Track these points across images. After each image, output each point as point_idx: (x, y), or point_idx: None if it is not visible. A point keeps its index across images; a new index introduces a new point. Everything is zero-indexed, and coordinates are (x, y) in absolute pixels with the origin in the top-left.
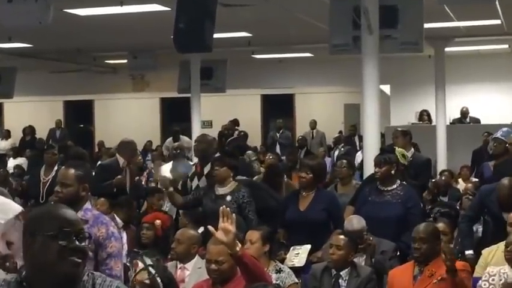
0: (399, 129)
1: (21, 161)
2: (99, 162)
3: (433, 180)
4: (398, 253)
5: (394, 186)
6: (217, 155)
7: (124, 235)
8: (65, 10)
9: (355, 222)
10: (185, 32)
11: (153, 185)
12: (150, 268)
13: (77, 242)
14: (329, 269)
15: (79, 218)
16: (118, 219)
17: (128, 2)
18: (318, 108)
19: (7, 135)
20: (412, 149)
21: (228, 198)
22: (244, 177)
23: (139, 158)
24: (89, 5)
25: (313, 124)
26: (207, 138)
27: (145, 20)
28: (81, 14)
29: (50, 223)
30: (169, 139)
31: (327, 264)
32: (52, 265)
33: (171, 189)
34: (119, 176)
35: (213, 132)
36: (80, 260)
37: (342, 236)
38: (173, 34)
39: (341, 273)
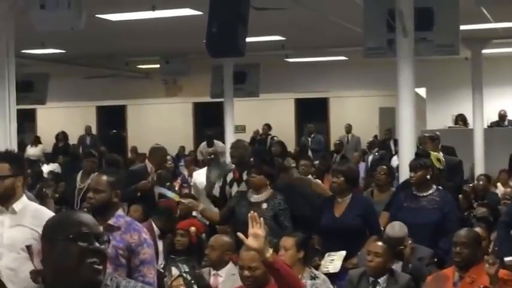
0: (426, 134)
1: (54, 166)
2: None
3: (470, 184)
4: (435, 259)
5: (430, 191)
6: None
7: (160, 244)
8: (97, 15)
9: (397, 229)
10: (218, 36)
11: (186, 191)
12: (186, 275)
13: (97, 244)
14: (366, 275)
15: (96, 222)
16: (155, 228)
17: (160, 6)
18: (352, 112)
19: (36, 141)
20: (441, 154)
21: (264, 205)
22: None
23: (170, 163)
24: (121, 10)
25: (349, 128)
26: (242, 143)
27: (178, 25)
28: (113, 19)
29: (69, 227)
30: (203, 144)
31: (364, 270)
32: (73, 269)
33: (201, 206)
34: (143, 181)
35: (246, 137)
36: (100, 266)
37: (380, 243)
38: (205, 39)
39: (379, 280)
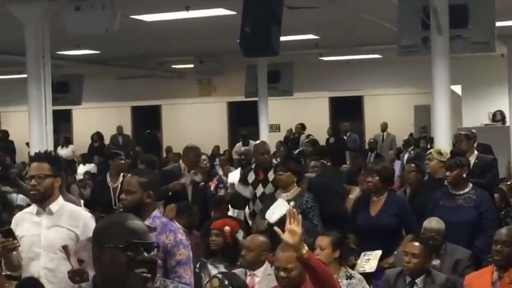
0: (462, 132)
1: (90, 167)
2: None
3: (508, 182)
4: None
5: (466, 190)
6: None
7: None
8: (132, 16)
9: (434, 222)
10: (251, 36)
11: (222, 192)
12: (221, 276)
13: (145, 254)
14: (403, 275)
15: (146, 229)
16: (178, 226)
17: (194, 7)
18: (387, 110)
19: (67, 142)
20: (476, 152)
21: (292, 203)
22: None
23: (205, 163)
24: (155, 10)
25: (384, 126)
26: (263, 146)
27: (211, 25)
28: (147, 20)
29: (119, 235)
30: (239, 144)
31: (401, 270)
32: (121, 277)
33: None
34: (175, 182)
35: (281, 136)
36: (149, 274)
37: (417, 244)
38: (239, 38)
39: (416, 280)
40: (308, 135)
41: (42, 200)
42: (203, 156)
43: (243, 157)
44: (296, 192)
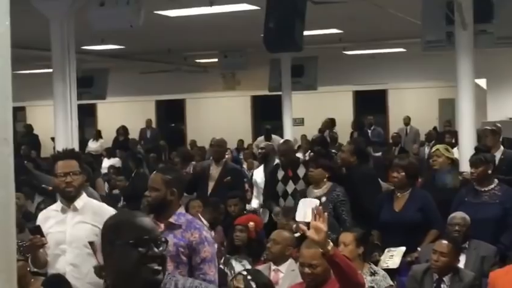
0: (488, 127)
1: (115, 161)
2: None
3: None
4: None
5: (492, 186)
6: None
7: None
8: (156, 12)
9: (459, 214)
10: (275, 31)
11: (246, 186)
12: (246, 273)
13: (156, 249)
14: (430, 271)
15: (155, 225)
16: (204, 221)
17: (218, 1)
18: (411, 104)
19: (98, 136)
20: (502, 147)
21: (323, 199)
22: None
23: (228, 156)
24: (179, 6)
25: (407, 120)
26: (289, 144)
27: (235, 19)
28: (171, 15)
29: (128, 231)
30: (261, 138)
31: (428, 266)
32: (133, 273)
33: None
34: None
35: (305, 130)
36: (160, 267)
37: (445, 242)
38: (263, 34)
39: (444, 278)
40: (331, 129)
41: (75, 196)
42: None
43: (260, 151)
44: (328, 188)
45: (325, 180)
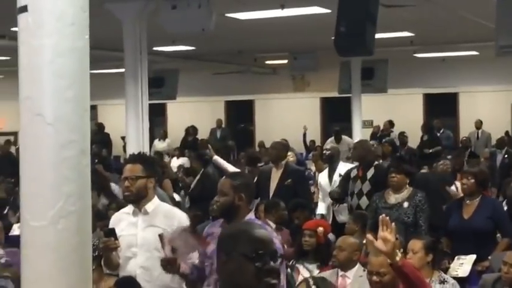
0: None
1: (184, 161)
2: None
3: None
4: None
5: None
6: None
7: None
8: (227, 15)
9: None
10: (346, 35)
11: (312, 188)
12: (310, 280)
13: (272, 263)
14: (501, 282)
15: (271, 237)
16: (270, 223)
17: (289, 5)
18: (483, 108)
19: (164, 136)
20: None
21: (405, 204)
22: None
23: (292, 159)
24: (250, 9)
25: (479, 124)
26: (365, 144)
27: (306, 22)
28: (242, 18)
29: (246, 244)
30: (331, 139)
31: (499, 276)
32: (248, 286)
33: None
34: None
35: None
36: (275, 281)
37: None
38: (334, 37)
39: None
40: (402, 132)
41: (135, 200)
42: (289, 153)
43: (326, 152)
44: (408, 193)
45: (406, 185)
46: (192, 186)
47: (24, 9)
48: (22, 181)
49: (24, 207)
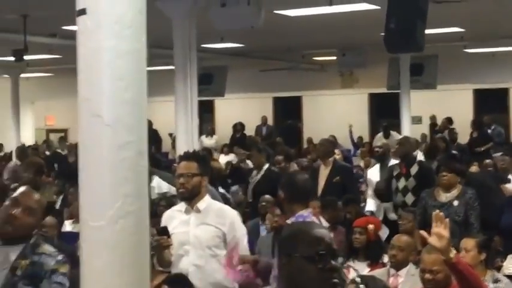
0: None
1: (232, 157)
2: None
3: None
4: None
5: None
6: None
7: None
8: (275, 11)
9: None
10: (396, 32)
11: (363, 187)
12: (359, 280)
13: (333, 262)
14: None
15: (331, 236)
16: (323, 220)
17: (337, 1)
18: None
19: (212, 132)
20: None
21: (456, 203)
22: None
23: (338, 156)
24: (299, 5)
25: None
26: (409, 140)
27: (354, 19)
28: (291, 15)
29: (307, 245)
30: (380, 135)
31: None
32: (310, 286)
33: None
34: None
35: (423, 129)
36: (337, 280)
37: None
38: (384, 34)
39: None
40: (452, 129)
41: (189, 198)
42: (336, 150)
43: (378, 149)
44: (459, 191)
45: (457, 184)
46: (252, 180)
47: (83, 12)
48: (81, 182)
49: (83, 207)
